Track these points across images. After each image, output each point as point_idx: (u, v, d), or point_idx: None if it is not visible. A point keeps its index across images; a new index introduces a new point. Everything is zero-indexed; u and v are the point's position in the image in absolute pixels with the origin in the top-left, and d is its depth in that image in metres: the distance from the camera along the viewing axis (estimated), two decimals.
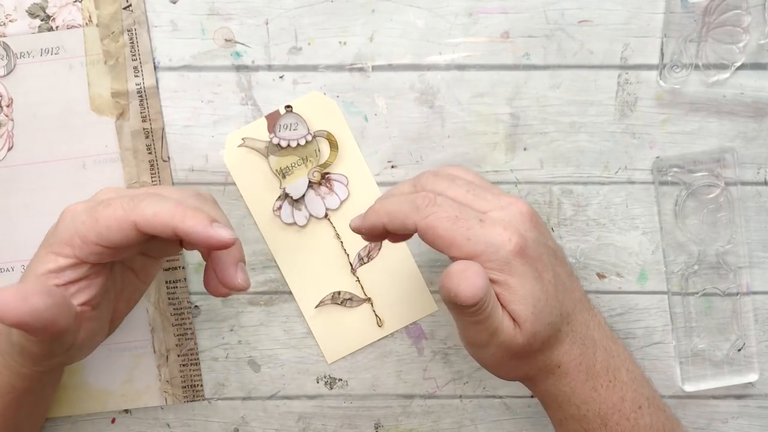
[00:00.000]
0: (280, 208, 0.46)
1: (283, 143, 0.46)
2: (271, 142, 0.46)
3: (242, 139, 0.46)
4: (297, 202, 0.46)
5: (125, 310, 0.42)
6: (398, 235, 0.39)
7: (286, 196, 0.46)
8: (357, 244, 0.47)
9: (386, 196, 0.40)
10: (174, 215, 0.35)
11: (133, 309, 0.43)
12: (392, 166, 0.47)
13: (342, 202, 0.46)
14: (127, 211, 0.35)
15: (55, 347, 0.36)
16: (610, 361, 0.39)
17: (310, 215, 0.46)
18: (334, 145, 0.46)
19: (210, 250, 0.37)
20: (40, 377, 0.39)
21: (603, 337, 0.40)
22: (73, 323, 0.35)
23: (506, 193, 0.39)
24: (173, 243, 0.40)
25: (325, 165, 0.46)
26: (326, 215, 0.46)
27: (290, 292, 0.47)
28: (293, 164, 0.46)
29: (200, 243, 0.35)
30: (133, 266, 0.41)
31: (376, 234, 0.39)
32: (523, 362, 0.38)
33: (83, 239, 0.35)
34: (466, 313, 0.34)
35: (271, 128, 0.46)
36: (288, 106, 0.46)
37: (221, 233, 0.35)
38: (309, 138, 0.46)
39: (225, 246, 0.35)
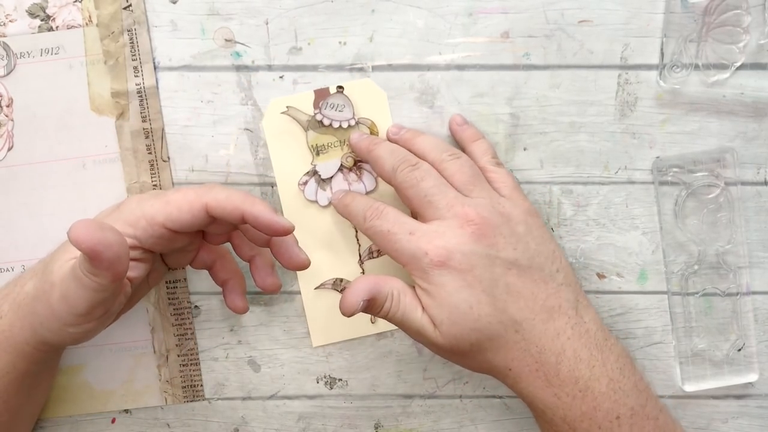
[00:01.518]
0: (305, 183, 0.46)
1: (326, 121, 0.46)
2: (314, 117, 0.46)
3: (287, 107, 0.46)
4: (324, 181, 0.46)
5: (127, 308, 0.44)
6: None
7: (314, 173, 0.46)
8: None
9: (375, 157, 0.44)
10: (245, 200, 0.39)
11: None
12: None
13: (367, 193, 0.46)
14: (199, 194, 0.39)
15: (98, 308, 0.37)
16: (582, 371, 0.40)
17: None
18: (374, 135, 0.46)
19: (268, 234, 0.40)
20: (41, 358, 0.40)
21: (581, 346, 0.40)
22: (123, 277, 0.36)
23: (469, 199, 0.41)
24: (191, 252, 0.44)
25: None
26: None
27: (290, 292, 0.47)
28: (330, 144, 0.46)
29: (264, 227, 0.39)
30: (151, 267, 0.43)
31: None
32: (465, 359, 0.41)
33: (150, 221, 0.39)
34: (379, 317, 0.41)
35: (317, 104, 0.46)
36: (340, 87, 0.46)
37: (284, 220, 0.39)
38: (352, 123, 0.46)
39: (287, 232, 0.39)
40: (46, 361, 0.42)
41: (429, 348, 0.42)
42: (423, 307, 0.40)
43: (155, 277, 0.45)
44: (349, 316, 0.39)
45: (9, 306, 0.39)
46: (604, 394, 0.39)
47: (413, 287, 0.41)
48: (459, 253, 0.39)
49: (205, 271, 0.46)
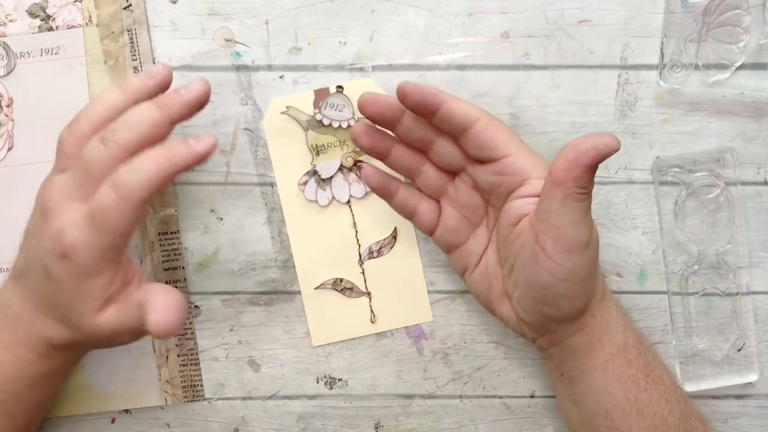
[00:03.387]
0: (305, 183, 0.46)
1: (326, 121, 0.46)
2: (314, 117, 0.46)
3: (286, 107, 0.46)
4: (324, 181, 0.46)
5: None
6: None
7: (314, 173, 0.46)
8: (371, 236, 0.47)
9: None
10: (162, 165, 0.35)
11: None
12: None
13: (367, 193, 0.46)
14: (123, 199, 0.35)
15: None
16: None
17: (333, 198, 0.46)
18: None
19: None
20: (62, 359, 0.40)
21: None
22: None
23: None
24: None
25: (361, 153, 0.46)
26: (348, 201, 0.47)
27: (290, 292, 0.47)
28: (330, 144, 0.46)
29: (195, 162, 0.36)
30: None
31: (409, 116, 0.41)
32: (596, 266, 0.40)
33: (109, 247, 0.36)
34: (587, 187, 0.37)
35: (317, 104, 0.46)
36: (339, 86, 0.46)
37: (202, 144, 0.36)
38: (352, 122, 0.46)
39: (209, 150, 0.36)
40: (66, 361, 0.41)
41: (587, 258, 0.38)
42: None
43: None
44: (611, 153, 0.36)
45: (21, 303, 0.39)
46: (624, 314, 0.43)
47: None
48: None
49: (206, 272, 0.46)
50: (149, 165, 0.35)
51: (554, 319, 0.40)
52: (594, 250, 0.38)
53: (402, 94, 0.39)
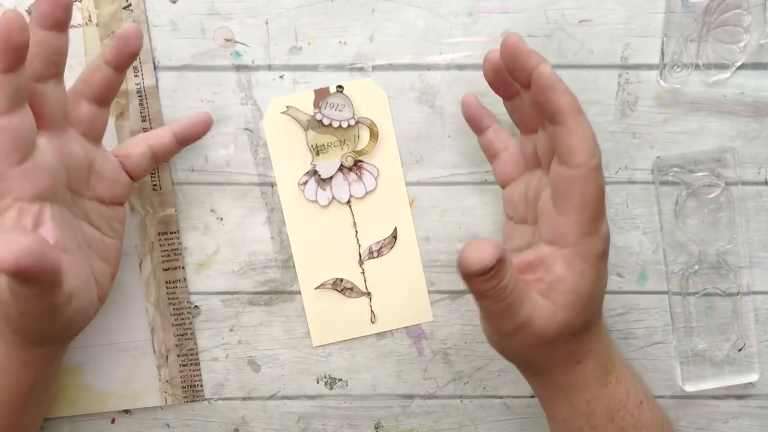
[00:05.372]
0: (305, 183, 0.46)
1: (326, 121, 0.46)
2: (314, 117, 0.46)
3: (286, 107, 0.46)
4: (324, 181, 0.46)
5: (106, 271, 0.41)
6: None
7: (314, 173, 0.46)
8: (371, 236, 0.47)
9: None
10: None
11: (116, 274, 0.42)
12: None
13: (367, 193, 0.46)
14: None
15: (46, 305, 0.34)
16: (617, 355, 0.40)
17: (333, 198, 0.46)
18: (374, 135, 0.46)
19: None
20: (44, 367, 0.39)
21: (606, 332, 0.40)
22: (58, 262, 0.32)
23: None
24: (119, 180, 0.41)
25: (361, 153, 0.46)
26: (348, 201, 0.47)
27: (290, 292, 0.47)
28: (330, 144, 0.46)
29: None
30: (88, 219, 0.40)
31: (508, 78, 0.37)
32: (548, 351, 0.37)
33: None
34: (487, 294, 0.33)
35: (317, 104, 0.46)
36: (339, 86, 0.46)
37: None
38: (352, 122, 0.46)
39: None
40: (49, 372, 0.40)
41: (516, 347, 0.37)
42: (546, 290, 0.36)
43: (108, 228, 0.41)
44: (474, 275, 0.32)
45: None
46: (628, 378, 0.40)
47: None
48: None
49: (206, 272, 0.46)
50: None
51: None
52: (531, 335, 0.36)
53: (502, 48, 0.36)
